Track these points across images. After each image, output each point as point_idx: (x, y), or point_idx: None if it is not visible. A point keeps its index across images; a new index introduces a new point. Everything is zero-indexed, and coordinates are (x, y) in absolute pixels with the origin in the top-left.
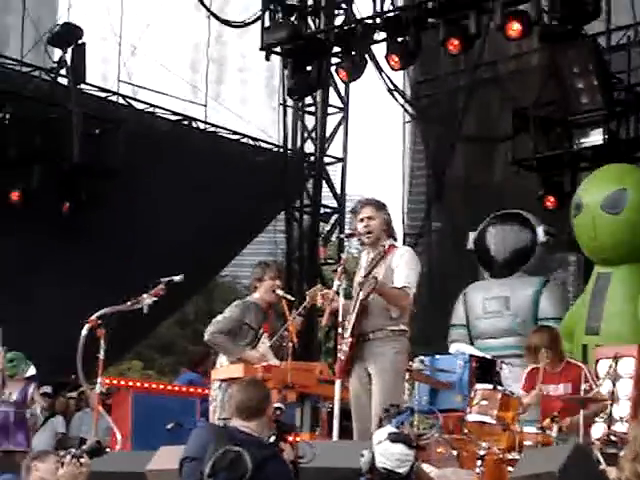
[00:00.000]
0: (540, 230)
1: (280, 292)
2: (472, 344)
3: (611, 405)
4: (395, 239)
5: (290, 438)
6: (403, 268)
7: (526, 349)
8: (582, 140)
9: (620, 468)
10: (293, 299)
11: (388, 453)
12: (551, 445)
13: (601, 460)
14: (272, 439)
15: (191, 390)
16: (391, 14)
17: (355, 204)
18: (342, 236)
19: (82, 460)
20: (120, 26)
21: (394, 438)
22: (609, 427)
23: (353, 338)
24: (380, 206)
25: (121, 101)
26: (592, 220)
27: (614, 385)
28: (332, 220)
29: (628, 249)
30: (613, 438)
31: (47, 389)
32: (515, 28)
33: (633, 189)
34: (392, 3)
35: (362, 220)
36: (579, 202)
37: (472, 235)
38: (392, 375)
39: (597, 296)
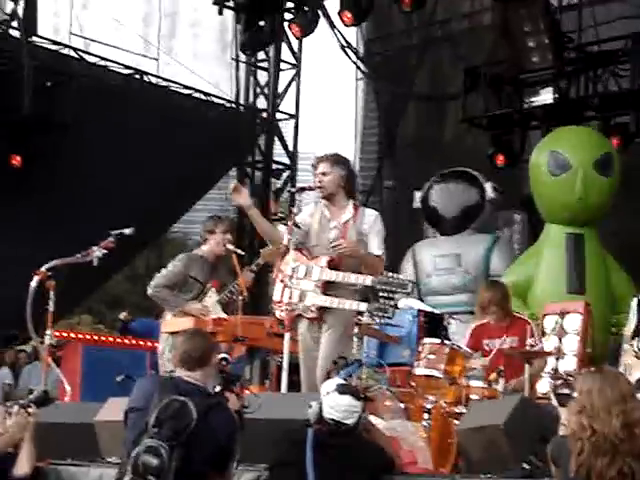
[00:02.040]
0: (488, 187)
1: (230, 246)
2: (422, 301)
3: (557, 360)
4: (353, 196)
5: (235, 388)
6: (376, 235)
7: (478, 305)
8: (532, 99)
9: (566, 420)
10: (243, 253)
11: (336, 404)
12: (497, 399)
13: (554, 400)
14: (217, 389)
15: (140, 343)
16: None
17: (314, 159)
18: (292, 190)
19: (30, 410)
20: None
21: (342, 390)
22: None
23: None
24: (336, 161)
25: (73, 54)
26: (583, 180)
27: (560, 341)
28: (284, 176)
29: (603, 211)
30: (565, 377)
31: None
32: None
33: (615, 154)
34: None
35: (317, 175)
36: (565, 161)
37: (418, 194)
38: (342, 329)
39: (574, 256)
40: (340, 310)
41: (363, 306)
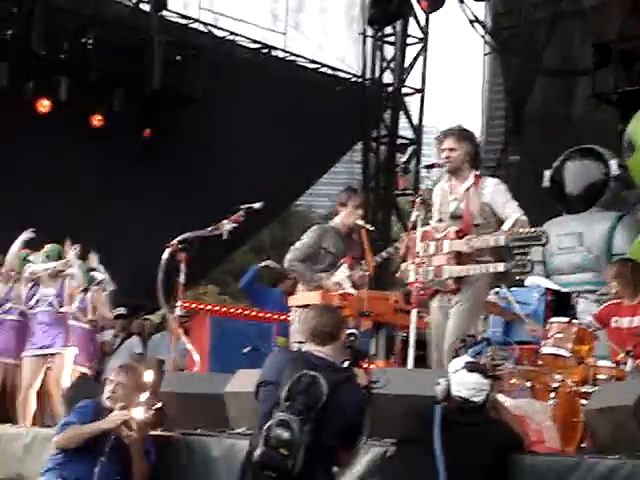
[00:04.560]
0: (613, 163)
1: (360, 222)
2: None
3: None
4: (478, 168)
5: (363, 364)
6: (507, 201)
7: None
8: None
9: None
10: (372, 228)
11: (464, 382)
12: (625, 379)
13: None
14: (346, 364)
15: (267, 315)
16: None
17: (439, 133)
18: (422, 167)
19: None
20: None
21: (470, 367)
22: None
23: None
24: (463, 136)
25: (202, 28)
26: None
27: None
28: (409, 151)
29: None
30: None
31: (122, 310)
32: None
33: None
34: None
35: (444, 150)
36: (631, 143)
37: (548, 173)
38: (473, 303)
39: None
40: (474, 280)
41: (501, 266)
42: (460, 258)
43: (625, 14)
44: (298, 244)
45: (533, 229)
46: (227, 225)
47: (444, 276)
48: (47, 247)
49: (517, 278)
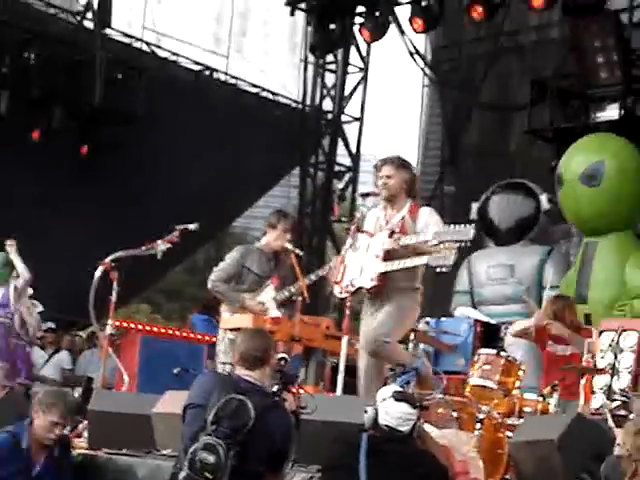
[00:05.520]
0: (543, 198)
1: (289, 246)
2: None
3: (611, 378)
4: (414, 198)
5: (293, 389)
6: (435, 226)
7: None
8: (598, 114)
9: (622, 441)
10: (301, 253)
11: (391, 411)
12: (550, 413)
13: (610, 422)
14: (275, 389)
15: (199, 337)
16: None
17: (377, 161)
18: (358, 195)
19: None
20: None
21: (398, 397)
22: (608, 399)
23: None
24: (401, 165)
25: (145, 48)
26: (573, 193)
27: (616, 358)
28: (346, 178)
29: (611, 219)
30: (621, 398)
31: (51, 325)
32: None
33: (611, 159)
34: None
35: (381, 178)
36: (560, 176)
37: (475, 205)
38: (397, 310)
39: (585, 265)
40: (400, 287)
41: (424, 259)
42: (387, 257)
43: (562, 52)
44: (221, 264)
45: (461, 224)
46: (161, 245)
47: (368, 272)
48: None
49: (437, 270)
